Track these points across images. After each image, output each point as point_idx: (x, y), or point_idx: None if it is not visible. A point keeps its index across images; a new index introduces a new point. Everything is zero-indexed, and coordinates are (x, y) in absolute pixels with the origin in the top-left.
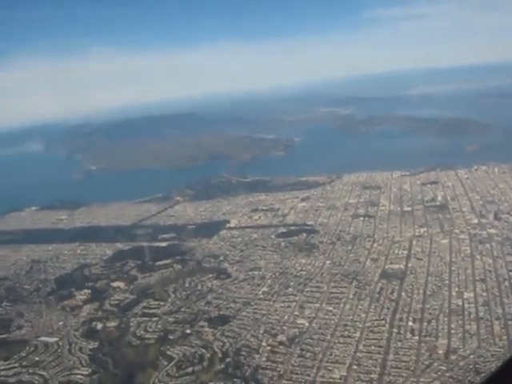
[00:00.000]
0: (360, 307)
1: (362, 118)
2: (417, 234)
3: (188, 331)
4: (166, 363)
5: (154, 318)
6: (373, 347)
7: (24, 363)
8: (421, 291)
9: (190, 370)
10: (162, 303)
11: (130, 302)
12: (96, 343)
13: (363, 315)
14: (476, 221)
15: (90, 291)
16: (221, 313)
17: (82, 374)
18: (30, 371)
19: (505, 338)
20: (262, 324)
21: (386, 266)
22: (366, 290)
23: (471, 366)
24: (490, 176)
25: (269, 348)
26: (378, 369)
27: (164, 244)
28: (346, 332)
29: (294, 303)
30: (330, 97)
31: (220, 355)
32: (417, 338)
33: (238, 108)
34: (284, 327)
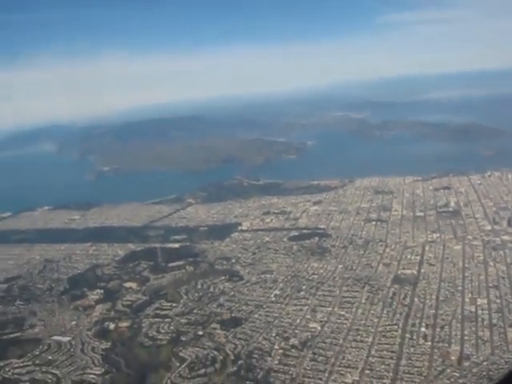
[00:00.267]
0: (372, 312)
1: (374, 122)
2: (429, 239)
3: (200, 333)
4: (178, 364)
5: (167, 319)
6: (385, 352)
7: (37, 362)
8: (433, 297)
9: (202, 371)
10: (174, 304)
11: (142, 303)
12: (108, 343)
13: (376, 320)
14: (489, 227)
15: (102, 291)
16: (233, 315)
17: (94, 374)
18: (43, 370)
19: None
20: (274, 327)
21: (399, 271)
22: (379, 294)
23: (484, 373)
24: (503, 182)
25: (281, 351)
26: (391, 374)
27: (176, 245)
28: (359, 336)
29: (306, 307)
30: (343, 101)
31: (232, 357)
32: (429, 343)
33: (250, 111)
34: (296, 330)
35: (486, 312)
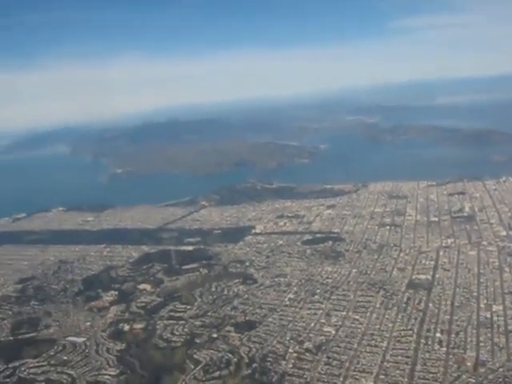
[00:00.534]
0: (387, 317)
1: (386, 126)
2: (444, 244)
3: (215, 335)
4: (192, 366)
5: (181, 322)
6: (400, 357)
7: (52, 362)
8: (448, 302)
9: (216, 374)
10: (188, 307)
11: (156, 305)
12: (123, 344)
13: (390, 325)
14: (504, 233)
15: (116, 293)
16: (247, 318)
17: (109, 375)
18: (59, 370)
19: None
20: (288, 330)
21: (413, 276)
22: (393, 299)
23: (500, 380)
24: None
25: (295, 355)
26: (406, 379)
27: (190, 248)
28: (373, 341)
29: (321, 311)
30: (354, 105)
31: (247, 360)
32: (445, 349)
33: (262, 114)
34: (310, 334)
35: (502, 318)
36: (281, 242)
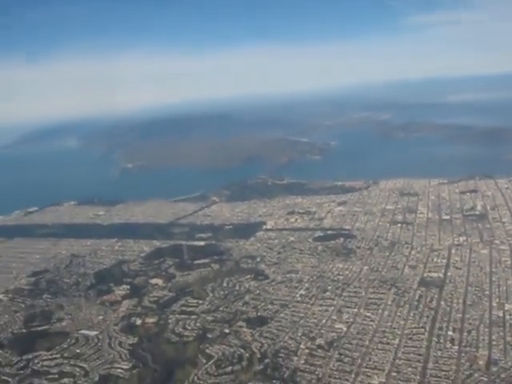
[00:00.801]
0: (399, 314)
1: (398, 123)
2: (456, 242)
3: (226, 331)
4: (204, 361)
5: (193, 316)
6: (412, 355)
7: (65, 354)
8: (460, 301)
9: (229, 369)
10: (200, 302)
11: (168, 300)
12: (135, 338)
13: (402, 322)
14: None
15: (128, 287)
16: (259, 314)
17: (122, 368)
18: (72, 363)
19: None
20: (300, 326)
21: (425, 274)
22: (405, 297)
23: None
24: None
25: (307, 351)
26: (418, 377)
27: (201, 243)
28: (385, 338)
29: (332, 307)
30: (366, 102)
31: (259, 356)
32: (457, 347)
33: (273, 110)
34: (322, 331)
35: None
36: (292, 239)
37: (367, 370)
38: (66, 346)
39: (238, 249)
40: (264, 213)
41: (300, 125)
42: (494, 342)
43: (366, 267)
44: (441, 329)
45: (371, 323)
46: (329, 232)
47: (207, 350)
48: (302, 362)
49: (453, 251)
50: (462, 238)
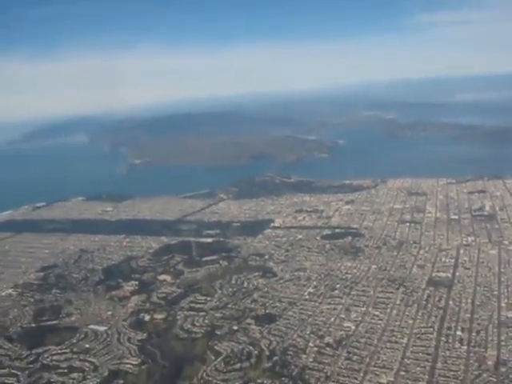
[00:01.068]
0: (407, 313)
1: (405, 122)
2: (464, 242)
3: (235, 328)
4: (213, 358)
5: (201, 313)
6: (420, 354)
7: (75, 349)
8: (469, 301)
9: (237, 366)
10: (208, 298)
11: (177, 296)
12: (144, 334)
13: (410, 321)
14: None
15: (137, 283)
16: (267, 311)
17: (131, 364)
18: (81, 358)
19: None
20: (308, 325)
21: (433, 274)
22: (413, 296)
23: None
24: None
25: (316, 349)
26: (427, 376)
27: (209, 240)
28: (393, 337)
29: (340, 306)
30: (371, 101)
31: (267, 353)
32: (465, 347)
33: (281, 108)
34: (330, 329)
35: None
36: (300, 236)
37: (376, 368)
38: (75, 341)
39: (246, 246)
40: (272, 210)
41: (306, 123)
42: (502, 343)
43: (374, 266)
44: (449, 328)
45: (380, 322)
46: (337, 230)
47: (216, 347)
48: (311, 360)
49: (461, 251)
50: (470, 238)
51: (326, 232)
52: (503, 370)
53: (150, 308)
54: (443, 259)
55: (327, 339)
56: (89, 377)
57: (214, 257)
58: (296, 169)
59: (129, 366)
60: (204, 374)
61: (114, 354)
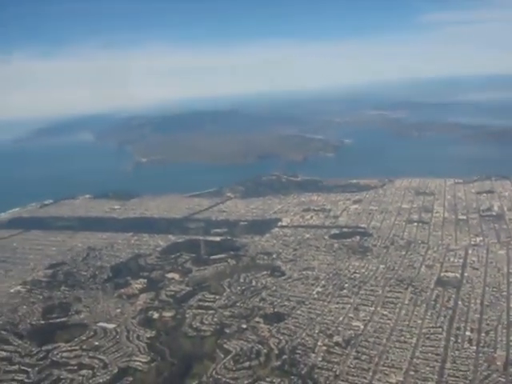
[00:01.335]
0: (416, 313)
1: (412, 122)
2: (472, 242)
3: (244, 326)
4: (222, 356)
5: (210, 311)
6: (430, 354)
7: (84, 346)
8: (478, 301)
9: (247, 364)
10: (217, 297)
11: (185, 294)
12: (153, 332)
13: (419, 321)
14: None
15: (145, 281)
16: (276, 310)
17: (140, 361)
18: (90, 355)
19: None
20: (317, 324)
21: (442, 274)
22: (422, 296)
23: None
24: None
25: (324, 348)
26: (436, 376)
27: (217, 238)
28: (402, 337)
29: (349, 305)
30: (379, 100)
31: (276, 352)
32: (474, 348)
33: (287, 107)
34: (339, 328)
35: None
36: (308, 236)
37: (385, 368)
38: (84, 338)
39: (253, 245)
40: (279, 209)
41: (313, 122)
42: (511, 343)
43: (382, 266)
44: (458, 329)
45: (388, 322)
46: (344, 230)
47: (225, 345)
48: (320, 358)
49: (469, 251)
50: (478, 239)
51: (334, 231)
52: None
53: (159, 306)
54: (451, 259)
55: (336, 338)
56: (98, 374)
57: (221, 255)
58: (302, 168)
59: (138, 363)
60: (213, 372)
61: (123, 352)
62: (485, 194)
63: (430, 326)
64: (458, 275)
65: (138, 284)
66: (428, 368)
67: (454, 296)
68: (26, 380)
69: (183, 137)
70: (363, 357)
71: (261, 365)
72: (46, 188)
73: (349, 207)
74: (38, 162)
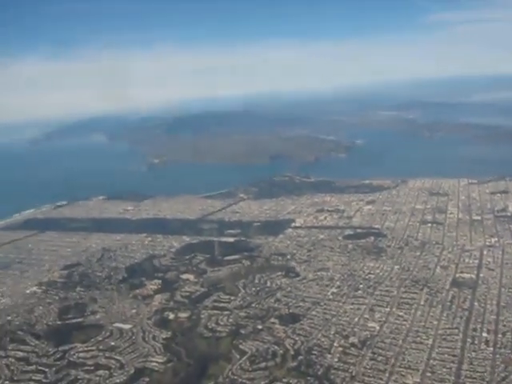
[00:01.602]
0: (432, 314)
1: (424, 122)
2: (487, 243)
3: (259, 327)
4: (238, 357)
5: (225, 312)
6: (446, 355)
7: (101, 347)
8: (494, 302)
9: (263, 365)
10: (232, 297)
11: (200, 295)
12: (169, 333)
13: (435, 322)
14: None
15: (160, 281)
16: (291, 311)
17: (157, 362)
18: (107, 355)
19: None
20: (332, 324)
21: (457, 275)
22: (438, 297)
23: None
24: None
25: (340, 349)
26: (453, 378)
27: (231, 239)
28: (418, 338)
29: (364, 306)
30: (390, 100)
31: (292, 353)
32: (491, 349)
33: (298, 108)
34: (355, 329)
35: None
36: (322, 236)
37: (401, 369)
38: (100, 339)
39: (267, 246)
40: (292, 210)
41: (323, 123)
42: None
43: (397, 266)
44: (475, 330)
45: (404, 323)
46: (358, 230)
47: (241, 346)
48: (336, 359)
49: (485, 252)
50: (493, 239)
51: (348, 232)
52: None
53: (174, 307)
54: (467, 260)
55: (352, 339)
56: (115, 374)
57: (236, 256)
58: (314, 169)
59: (154, 364)
60: (229, 373)
61: (139, 352)
62: (499, 195)
63: (446, 327)
64: (473, 276)
65: (152, 285)
66: (445, 369)
67: (469, 297)
68: (44, 380)
69: (195, 138)
70: (379, 358)
71: (277, 365)
72: (60, 189)
73: (362, 208)
74: (52, 163)
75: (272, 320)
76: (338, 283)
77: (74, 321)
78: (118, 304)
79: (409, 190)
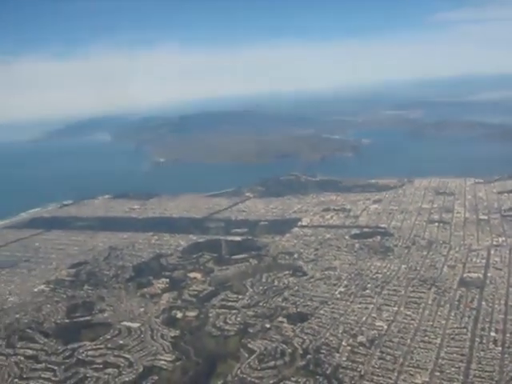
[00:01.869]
0: (439, 313)
1: (430, 121)
2: (495, 243)
3: (267, 326)
4: (247, 355)
5: (233, 311)
6: (455, 355)
7: (109, 345)
8: (502, 302)
9: (271, 363)
10: (240, 296)
11: (208, 294)
12: (177, 331)
13: (443, 322)
14: None
15: (167, 280)
16: (299, 310)
17: (165, 360)
18: (115, 353)
19: None
20: (340, 323)
21: (464, 274)
22: (445, 296)
23: None
24: None
25: (349, 348)
26: (461, 377)
27: (238, 238)
28: (427, 337)
29: (372, 305)
30: (395, 100)
31: (301, 351)
32: (500, 348)
33: (304, 107)
34: (363, 328)
35: None
36: (328, 235)
37: (410, 368)
38: (109, 337)
39: (274, 245)
40: (299, 209)
41: (328, 122)
42: None
43: (404, 266)
44: (483, 329)
45: (412, 322)
46: (365, 230)
47: (249, 345)
48: (344, 358)
49: (492, 252)
50: (501, 239)
51: (355, 231)
52: None
53: (182, 305)
54: (474, 259)
55: (360, 338)
56: (124, 372)
57: (243, 255)
58: (320, 168)
59: (163, 362)
60: (238, 372)
61: (148, 351)
62: (506, 194)
63: (455, 326)
64: (480, 275)
65: (160, 283)
66: (453, 369)
67: (477, 296)
68: (53, 378)
69: (200, 137)
70: (388, 357)
71: (286, 364)
72: (66, 188)
73: (369, 207)
74: (57, 162)
75: (280, 319)
76: (345, 282)
77: (82, 319)
78: (125, 302)
79: (415, 189)
